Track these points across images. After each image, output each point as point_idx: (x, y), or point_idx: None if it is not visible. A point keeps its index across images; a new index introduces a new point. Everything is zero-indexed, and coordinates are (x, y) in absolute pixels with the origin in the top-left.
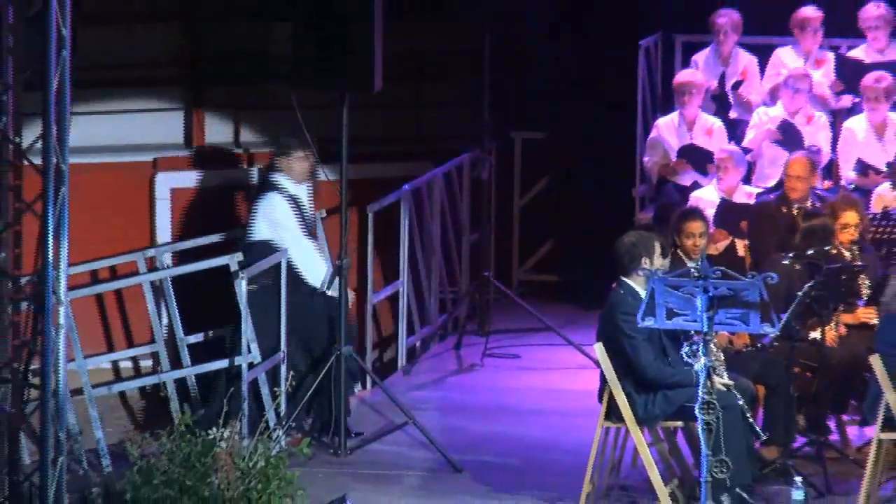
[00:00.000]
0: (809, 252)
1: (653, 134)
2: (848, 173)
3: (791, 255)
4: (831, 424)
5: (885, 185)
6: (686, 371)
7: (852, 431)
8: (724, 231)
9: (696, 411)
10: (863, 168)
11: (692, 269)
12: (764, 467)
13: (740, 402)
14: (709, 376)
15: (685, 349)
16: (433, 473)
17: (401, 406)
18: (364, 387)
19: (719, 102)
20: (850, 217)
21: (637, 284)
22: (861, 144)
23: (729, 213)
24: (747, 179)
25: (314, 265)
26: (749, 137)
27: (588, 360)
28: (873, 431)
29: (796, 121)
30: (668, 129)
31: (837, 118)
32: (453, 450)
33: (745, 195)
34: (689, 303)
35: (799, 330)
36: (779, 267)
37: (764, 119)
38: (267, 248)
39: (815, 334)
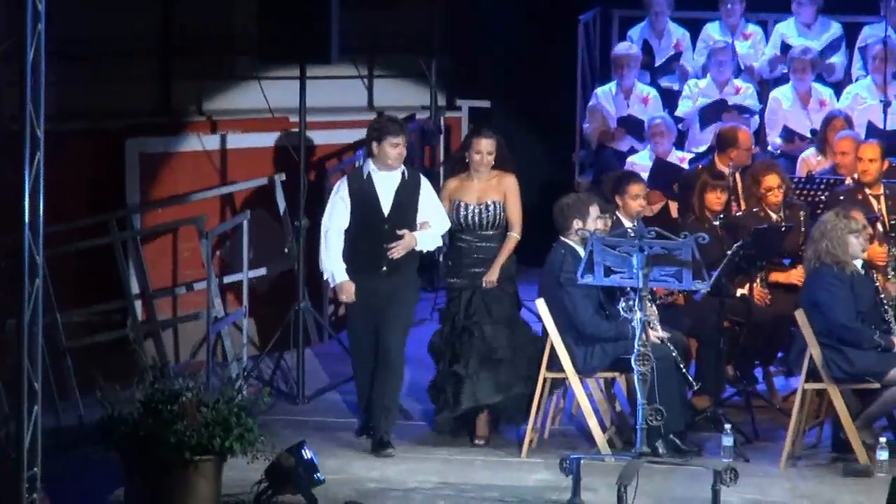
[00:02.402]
0: (738, 214)
1: (592, 102)
2: (774, 139)
3: (721, 216)
4: (759, 375)
5: (810, 151)
6: (622, 325)
7: (778, 382)
8: (658, 192)
9: (632, 363)
10: (788, 135)
11: (629, 230)
12: (696, 415)
13: (674, 354)
14: (644, 330)
15: (622, 304)
16: None
17: None
18: (322, 339)
19: (654, 73)
20: (772, 180)
21: (575, 243)
22: (787, 113)
23: (663, 174)
24: (680, 145)
25: (321, 253)
26: (682, 107)
27: (531, 314)
28: (798, 382)
29: (725, 91)
30: (606, 98)
31: (765, 88)
32: (405, 399)
33: (678, 160)
34: (625, 261)
35: (728, 286)
36: (709, 227)
37: (695, 90)
38: None
39: (744, 291)
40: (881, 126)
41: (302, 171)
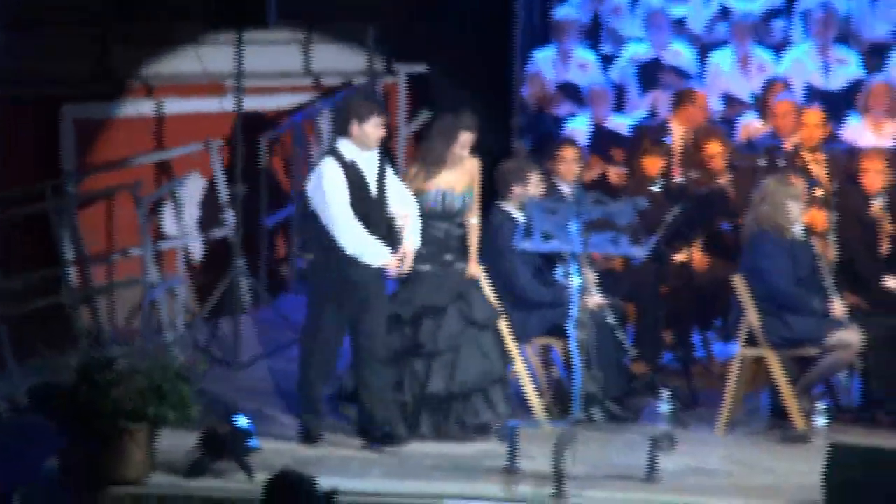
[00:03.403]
0: (678, 180)
1: (531, 67)
2: (714, 104)
3: (661, 181)
4: (697, 341)
5: (750, 116)
6: (560, 291)
7: (717, 348)
8: (597, 158)
9: (570, 329)
10: (728, 99)
11: (567, 195)
12: (633, 382)
13: (611, 321)
14: (581, 296)
15: (559, 270)
16: None
17: (291, 324)
18: (257, 306)
19: (594, 38)
20: (713, 147)
21: (514, 208)
22: (726, 77)
23: (602, 140)
24: (618, 110)
25: (348, 237)
26: (619, 71)
27: None
28: (736, 348)
29: (665, 56)
30: (545, 63)
31: (705, 52)
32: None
33: (617, 124)
34: (563, 226)
35: (667, 252)
36: (648, 193)
37: (633, 54)
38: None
39: (682, 256)
40: (821, 90)
41: (239, 137)
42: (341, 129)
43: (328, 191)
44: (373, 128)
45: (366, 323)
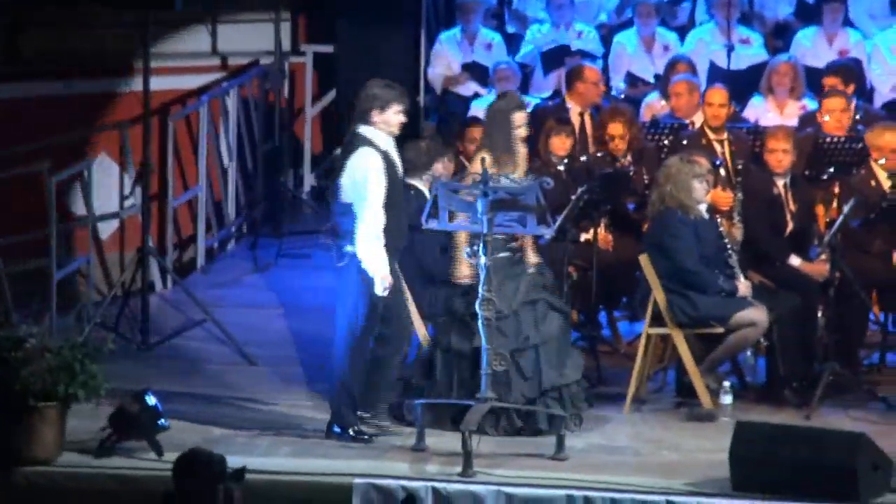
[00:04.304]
0: (583, 159)
1: (436, 48)
2: (618, 84)
3: (566, 160)
4: (603, 320)
5: (654, 95)
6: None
7: (623, 327)
8: None
9: (477, 308)
10: (632, 79)
11: (473, 175)
12: None
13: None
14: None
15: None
16: (230, 367)
17: (199, 303)
18: (165, 286)
19: (498, 19)
20: (616, 128)
21: (423, 186)
22: (631, 57)
23: None
24: (524, 90)
25: (370, 238)
26: (524, 51)
27: None
28: (642, 326)
29: (567, 36)
30: (450, 44)
31: (609, 32)
32: (249, 345)
33: None
34: (470, 206)
35: (573, 232)
36: (554, 172)
37: (538, 35)
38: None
39: (588, 236)
40: (724, 71)
41: (147, 118)
42: (361, 118)
43: (373, 184)
44: (395, 115)
45: (396, 311)
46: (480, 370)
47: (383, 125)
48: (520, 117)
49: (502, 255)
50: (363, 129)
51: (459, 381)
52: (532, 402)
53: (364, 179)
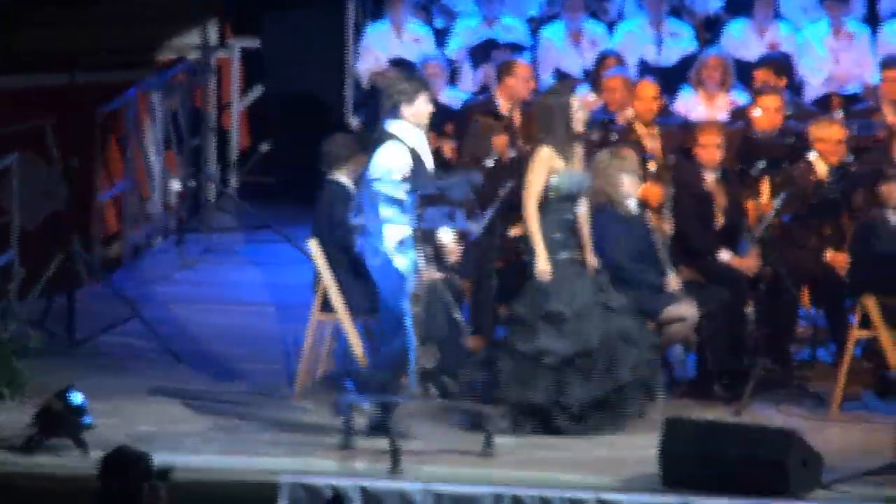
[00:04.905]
0: (512, 156)
1: (364, 42)
2: (547, 79)
3: (495, 157)
4: None
5: (583, 90)
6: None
7: None
8: (431, 133)
9: (405, 304)
10: (560, 74)
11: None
12: (469, 356)
13: (447, 296)
14: (417, 271)
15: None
16: (156, 363)
17: (126, 300)
18: (92, 282)
19: (426, 12)
20: None
21: (348, 181)
22: (559, 52)
23: (435, 115)
24: (451, 85)
25: (395, 231)
26: (452, 45)
27: (303, 255)
28: None
29: (494, 30)
30: (378, 38)
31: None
32: (176, 341)
33: (450, 99)
34: (399, 201)
35: (502, 227)
36: (482, 167)
37: (466, 29)
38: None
39: (517, 231)
40: (654, 64)
41: (72, 112)
42: (390, 112)
43: (399, 182)
44: (423, 105)
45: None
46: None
47: (412, 118)
48: (576, 104)
49: (563, 256)
50: (391, 125)
51: (521, 381)
52: (593, 405)
53: (389, 174)
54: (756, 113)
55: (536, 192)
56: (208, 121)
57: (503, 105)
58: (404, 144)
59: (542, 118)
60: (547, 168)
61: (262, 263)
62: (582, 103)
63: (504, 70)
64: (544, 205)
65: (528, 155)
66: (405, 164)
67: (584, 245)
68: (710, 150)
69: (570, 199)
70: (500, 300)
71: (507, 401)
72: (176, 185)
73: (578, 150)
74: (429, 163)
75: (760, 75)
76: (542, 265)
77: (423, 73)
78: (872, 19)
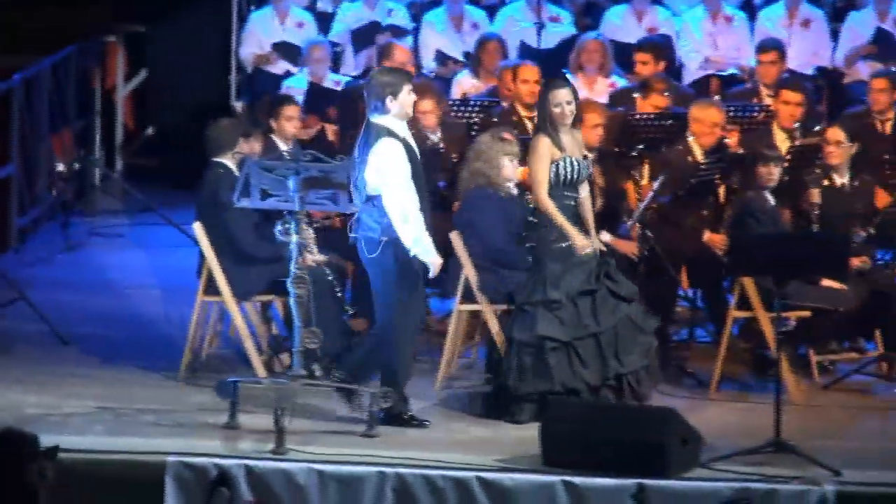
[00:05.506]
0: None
1: (248, 27)
2: (429, 63)
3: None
4: None
5: (464, 73)
6: (281, 247)
7: (434, 304)
8: (314, 117)
9: (289, 285)
10: (442, 58)
11: (285, 153)
12: (352, 338)
13: (330, 278)
14: (300, 253)
15: (278, 227)
16: (42, 346)
17: (11, 283)
18: None
19: None
20: (425, 104)
21: (232, 164)
22: (440, 36)
23: (319, 99)
24: (335, 69)
25: (411, 227)
26: (335, 30)
27: (188, 238)
28: (454, 304)
29: (376, 13)
30: (261, 23)
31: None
32: (62, 324)
33: (333, 83)
34: (281, 184)
35: None
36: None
37: (348, 13)
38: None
39: None
40: (534, 48)
41: None
42: (376, 109)
43: (399, 175)
44: (408, 95)
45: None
46: (293, 348)
47: (398, 109)
48: (557, 95)
49: (562, 245)
50: (378, 120)
51: (521, 369)
52: (596, 391)
53: (387, 168)
54: (638, 95)
55: (543, 181)
56: (94, 105)
57: None
58: (395, 137)
59: (538, 108)
60: (548, 156)
61: (147, 246)
62: (565, 96)
63: (383, 55)
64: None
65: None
66: (400, 154)
67: (588, 229)
68: (588, 131)
69: (569, 185)
70: None
71: (522, 391)
72: (60, 167)
73: (577, 136)
74: (418, 155)
75: (641, 58)
76: (580, 241)
77: (308, 57)
78: (749, 5)
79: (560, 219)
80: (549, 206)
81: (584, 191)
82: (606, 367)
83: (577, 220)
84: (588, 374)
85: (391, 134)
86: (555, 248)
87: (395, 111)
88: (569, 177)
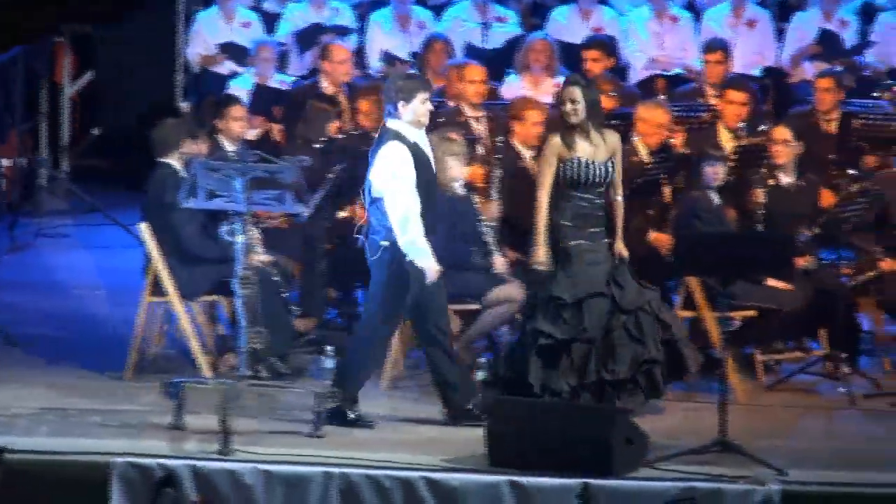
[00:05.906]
0: (341, 136)
1: (194, 27)
2: (375, 63)
3: (324, 139)
4: (360, 297)
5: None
6: (227, 247)
7: None
8: (260, 117)
9: (235, 286)
10: (388, 58)
11: (231, 153)
12: (299, 338)
13: (276, 278)
14: (247, 253)
15: (224, 228)
16: None
17: None
18: None
19: None
20: (367, 104)
21: (178, 164)
22: (386, 36)
23: (265, 99)
24: (281, 69)
25: (410, 231)
26: (282, 30)
27: (134, 238)
28: None
29: (321, 14)
30: (207, 23)
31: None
32: (9, 325)
33: (279, 83)
34: (228, 184)
35: (331, 210)
36: (311, 150)
37: (294, 14)
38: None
39: (346, 214)
40: (480, 48)
41: None
42: (389, 111)
43: (402, 179)
44: (421, 104)
45: (433, 311)
46: (239, 349)
47: (410, 116)
48: (561, 93)
49: (573, 243)
50: (391, 124)
51: (519, 361)
52: (575, 392)
53: (391, 171)
54: None
55: (542, 181)
56: (41, 105)
57: (327, 88)
58: (405, 142)
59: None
60: (555, 156)
61: (93, 247)
62: (578, 95)
63: (322, 55)
64: (557, 192)
65: (352, 138)
66: (406, 159)
67: (615, 233)
68: (528, 128)
69: (580, 186)
70: (330, 283)
71: (502, 378)
72: (7, 162)
73: (608, 138)
74: (431, 162)
75: (590, 55)
76: (538, 254)
77: (256, 57)
78: (694, 5)
79: (539, 222)
80: (537, 206)
81: (617, 195)
82: (595, 373)
83: (591, 221)
84: (573, 377)
85: (399, 138)
86: (566, 247)
87: (408, 117)
88: (577, 178)
